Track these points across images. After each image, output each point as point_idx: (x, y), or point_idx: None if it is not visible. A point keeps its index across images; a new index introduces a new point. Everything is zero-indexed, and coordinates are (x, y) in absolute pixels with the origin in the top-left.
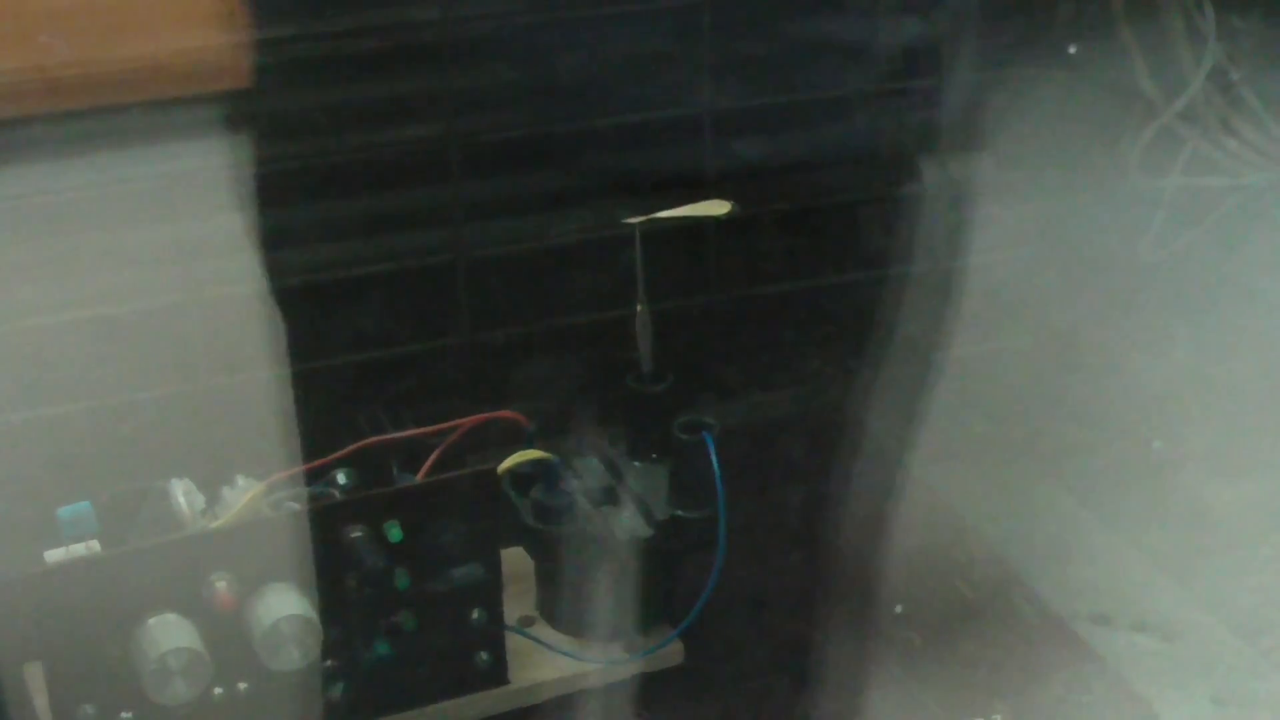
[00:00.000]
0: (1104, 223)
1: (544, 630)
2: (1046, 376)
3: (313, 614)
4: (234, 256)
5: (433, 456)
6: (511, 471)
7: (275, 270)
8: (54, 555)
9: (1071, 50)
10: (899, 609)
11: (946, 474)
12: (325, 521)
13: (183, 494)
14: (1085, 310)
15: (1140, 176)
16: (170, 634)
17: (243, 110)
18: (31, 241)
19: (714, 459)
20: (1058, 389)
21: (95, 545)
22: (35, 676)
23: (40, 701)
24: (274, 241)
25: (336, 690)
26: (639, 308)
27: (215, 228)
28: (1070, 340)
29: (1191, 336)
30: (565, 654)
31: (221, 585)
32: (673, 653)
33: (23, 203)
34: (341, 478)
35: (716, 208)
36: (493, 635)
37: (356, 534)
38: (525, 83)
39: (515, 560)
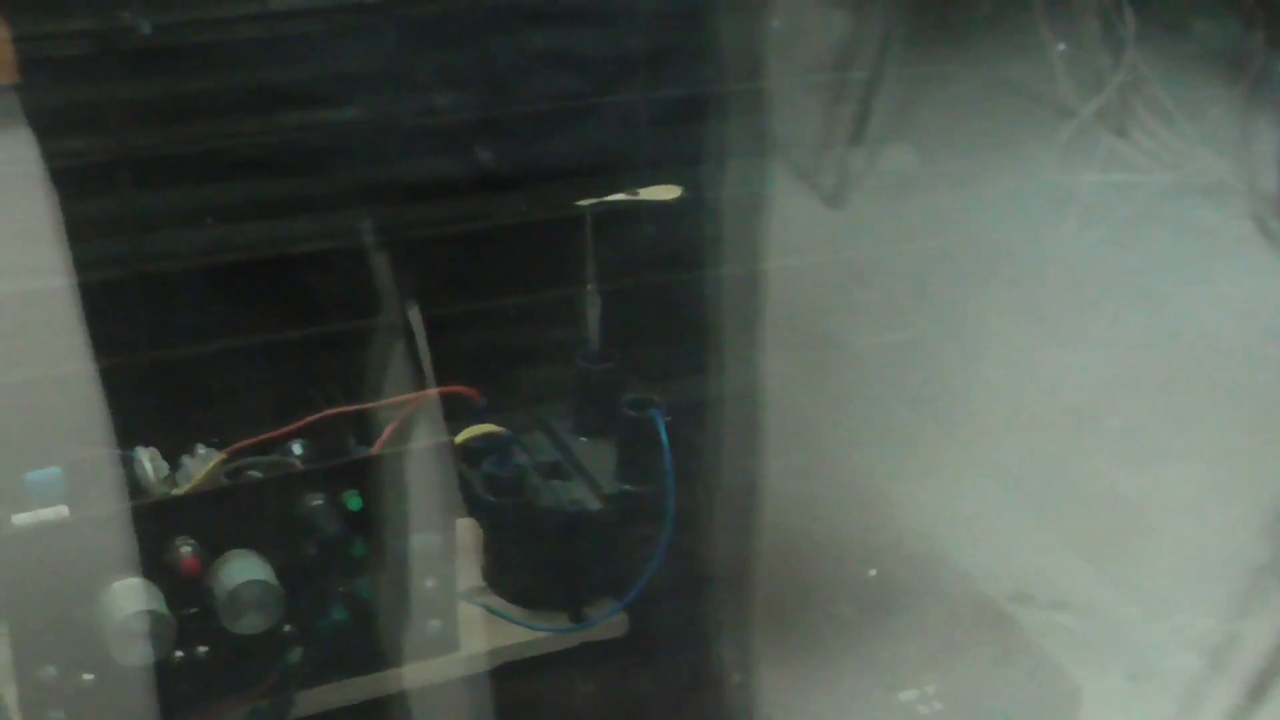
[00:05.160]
0: (1021, 216)
1: (492, 599)
2: (961, 365)
3: (274, 579)
4: (175, 232)
5: (389, 429)
6: (463, 445)
7: (221, 246)
8: (21, 519)
9: (993, 49)
10: (873, 572)
11: (870, 457)
12: (287, 490)
13: (148, 461)
14: (999, 301)
15: (1057, 173)
16: (134, 597)
17: None
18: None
19: (664, 436)
20: (971, 377)
21: (63, 510)
22: None
23: (1, 661)
24: (224, 215)
25: (295, 654)
26: (588, 287)
27: (155, 202)
28: (983, 330)
29: (1100, 330)
30: (514, 622)
31: (185, 550)
32: (617, 624)
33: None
34: (297, 449)
35: (667, 192)
36: (445, 603)
37: (317, 502)
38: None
39: (465, 531)
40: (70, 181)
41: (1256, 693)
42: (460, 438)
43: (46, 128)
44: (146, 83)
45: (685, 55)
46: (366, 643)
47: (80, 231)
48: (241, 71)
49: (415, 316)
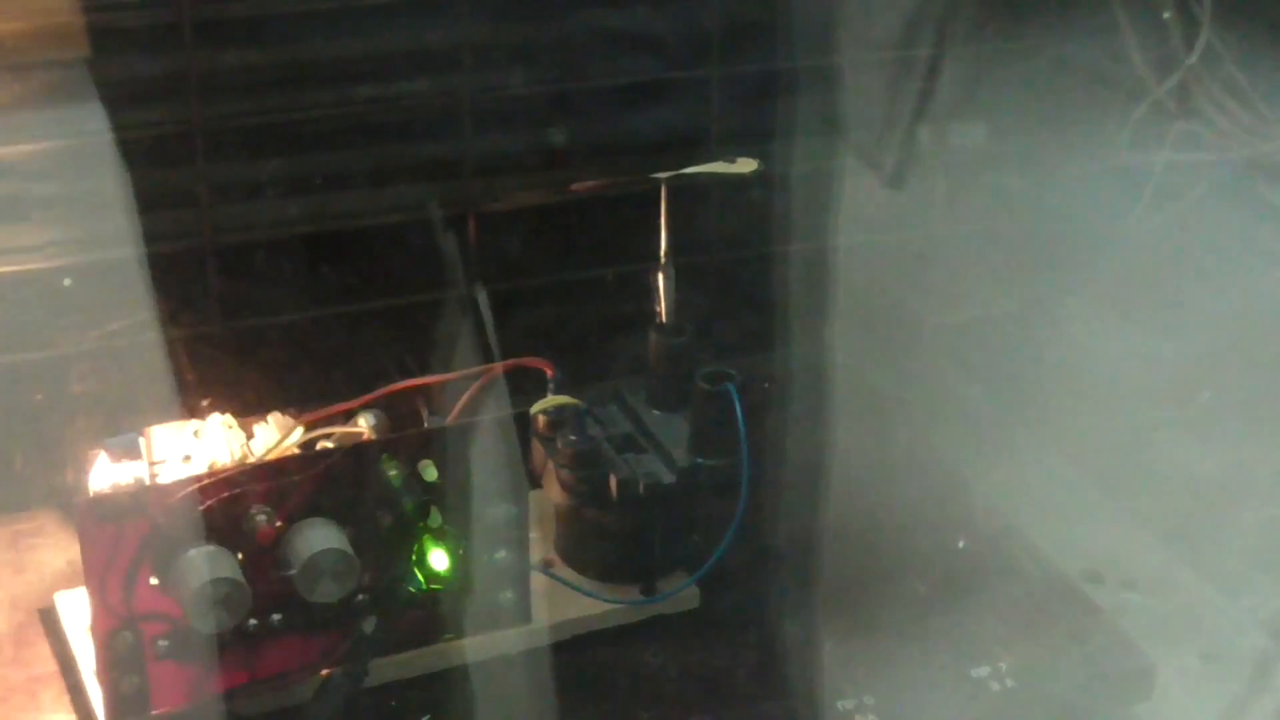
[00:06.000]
0: (1094, 195)
1: (564, 571)
2: (1031, 344)
3: (349, 548)
4: (247, 204)
5: (463, 399)
6: (537, 416)
7: (297, 218)
8: (99, 485)
9: (1061, 26)
10: (962, 544)
11: (942, 434)
12: (362, 459)
13: (224, 429)
14: (1068, 280)
15: (1130, 151)
16: (210, 565)
17: None
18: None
19: (738, 409)
20: (1042, 356)
21: (140, 476)
22: (67, 603)
23: (74, 628)
24: (296, 188)
25: (369, 624)
26: (662, 261)
27: (228, 174)
28: (1053, 309)
29: (1172, 310)
30: (585, 594)
31: (261, 518)
32: (689, 597)
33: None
34: (371, 419)
35: (743, 165)
36: (518, 574)
37: (392, 472)
38: None
39: (536, 503)
40: (142, 153)
41: None
42: (534, 409)
43: (117, 100)
44: (218, 55)
45: (756, 32)
46: (440, 613)
47: (153, 203)
48: (315, 44)
49: (481, 291)
